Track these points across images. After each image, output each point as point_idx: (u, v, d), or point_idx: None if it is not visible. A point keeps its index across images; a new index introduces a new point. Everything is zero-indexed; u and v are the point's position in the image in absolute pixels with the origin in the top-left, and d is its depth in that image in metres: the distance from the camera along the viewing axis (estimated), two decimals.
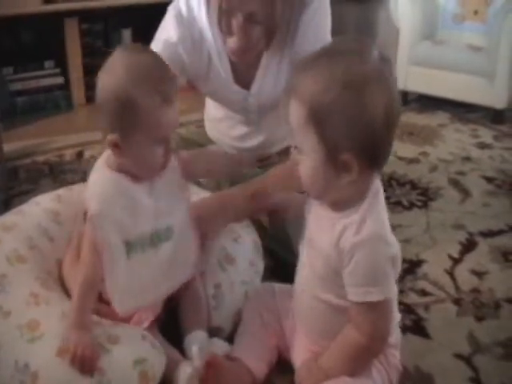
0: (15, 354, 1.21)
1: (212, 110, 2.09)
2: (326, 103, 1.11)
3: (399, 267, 1.24)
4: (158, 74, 1.28)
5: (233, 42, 1.60)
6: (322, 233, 1.25)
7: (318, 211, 1.29)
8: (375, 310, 1.19)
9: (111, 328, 1.29)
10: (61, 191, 1.70)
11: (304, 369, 1.29)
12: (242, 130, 2.00)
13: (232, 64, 1.74)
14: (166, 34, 1.68)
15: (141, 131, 1.27)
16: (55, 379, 1.18)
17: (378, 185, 1.24)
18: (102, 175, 1.34)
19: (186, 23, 1.67)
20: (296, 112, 1.16)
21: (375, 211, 1.20)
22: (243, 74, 1.77)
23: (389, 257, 1.18)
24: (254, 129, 1.98)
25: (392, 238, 1.21)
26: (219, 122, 2.07)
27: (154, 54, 1.36)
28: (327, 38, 1.69)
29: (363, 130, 1.13)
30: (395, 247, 1.21)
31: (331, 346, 1.26)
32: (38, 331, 1.24)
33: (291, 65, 1.71)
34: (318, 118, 1.12)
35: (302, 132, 1.16)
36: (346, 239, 1.18)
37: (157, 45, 1.68)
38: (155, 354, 1.27)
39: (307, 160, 1.18)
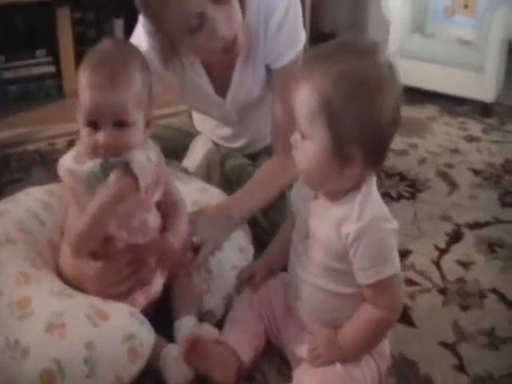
0: (6, 331, 1.23)
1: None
2: (340, 96, 1.15)
3: None
4: (97, 57, 1.34)
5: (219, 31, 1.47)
6: (321, 224, 1.29)
7: (314, 204, 1.32)
8: (389, 284, 1.24)
9: (100, 304, 1.31)
10: (53, 186, 1.69)
11: (323, 341, 1.31)
12: (226, 131, 2.03)
13: (208, 73, 1.73)
14: (138, 41, 1.62)
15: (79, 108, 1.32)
16: (45, 355, 1.20)
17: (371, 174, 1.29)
18: None
19: (155, 34, 1.58)
20: (308, 98, 1.19)
21: (372, 194, 1.26)
22: (220, 82, 1.76)
23: (392, 232, 1.24)
24: (237, 131, 2.00)
25: (389, 214, 1.26)
26: (204, 122, 2.08)
27: (117, 45, 1.42)
28: (300, 38, 1.69)
29: (371, 128, 1.17)
30: (394, 221, 1.26)
31: (350, 323, 1.30)
32: (29, 308, 1.27)
33: (266, 68, 1.72)
34: (330, 108, 1.16)
35: (311, 118, 1.19)
36: (348, 227, 1.22)
37: None
38: (144, 331, 1.30)
39: (311, 147, 1.21)
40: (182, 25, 1.44)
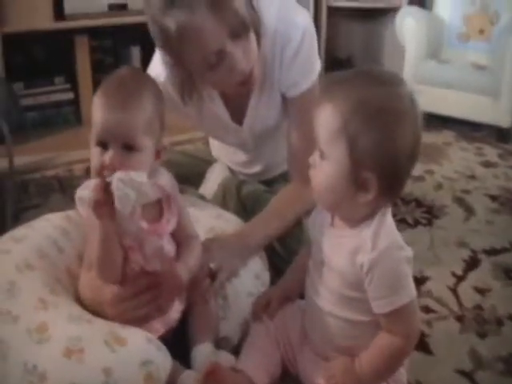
0: (24, 357, 1.23)
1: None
2: (360, 119, 1.16)
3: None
4: (113, 82, 1.37)
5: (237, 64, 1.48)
6: (336, 253, 1.29)
7: (329, 232, 1.32)
8: (404, 312, 1.23)
9: (118, 329, 1.31)
10: (71, 212, 1.69)
11: (340, 369, 1.29)
12: (242, 157, 2.03)
13: (225, 102, 1.73)
14: (155, 72, 1.62)
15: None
16: (63, 379, 1.20)
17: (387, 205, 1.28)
18: None
19: (173, 67, 1.57)
20: (330, 118, 1.19)
21: (386, 222, 1.25)
22: (236, 110, 1.76)
23: (406, 259, 1.22)
24: (253, 157, 2.01)
25: (403, 241, 1.25)
26: (221, 148, 2.10)
27: (133, 73, 1.44)
28: (315, 67, 1.69)
29: (387, 156, 1.18)
30: (409, 248, 1.24)
31: (367, 351, 1.28)
32: (47, 334, 1.26)
33: (282, 97, 1.72)
34: (350, 130, 1.17)
35: (331, 138, 1.20)
36: (362, 256, 1.21)
37: None
38: (161, 357, 1.29)
39: (329, 167, 1.22)
40: (201, 61, 1.45)
